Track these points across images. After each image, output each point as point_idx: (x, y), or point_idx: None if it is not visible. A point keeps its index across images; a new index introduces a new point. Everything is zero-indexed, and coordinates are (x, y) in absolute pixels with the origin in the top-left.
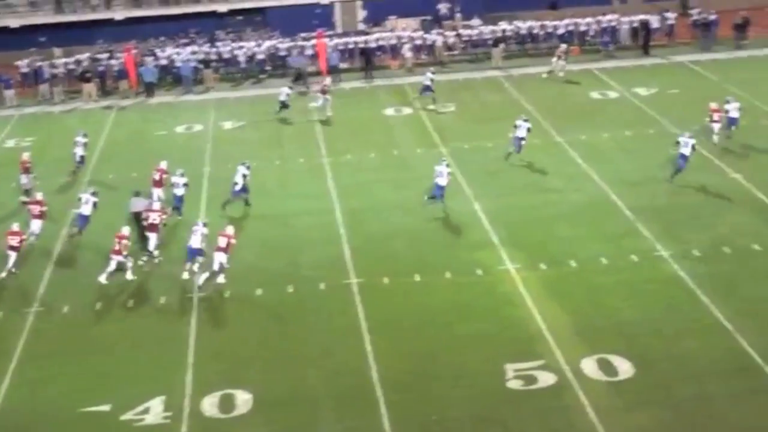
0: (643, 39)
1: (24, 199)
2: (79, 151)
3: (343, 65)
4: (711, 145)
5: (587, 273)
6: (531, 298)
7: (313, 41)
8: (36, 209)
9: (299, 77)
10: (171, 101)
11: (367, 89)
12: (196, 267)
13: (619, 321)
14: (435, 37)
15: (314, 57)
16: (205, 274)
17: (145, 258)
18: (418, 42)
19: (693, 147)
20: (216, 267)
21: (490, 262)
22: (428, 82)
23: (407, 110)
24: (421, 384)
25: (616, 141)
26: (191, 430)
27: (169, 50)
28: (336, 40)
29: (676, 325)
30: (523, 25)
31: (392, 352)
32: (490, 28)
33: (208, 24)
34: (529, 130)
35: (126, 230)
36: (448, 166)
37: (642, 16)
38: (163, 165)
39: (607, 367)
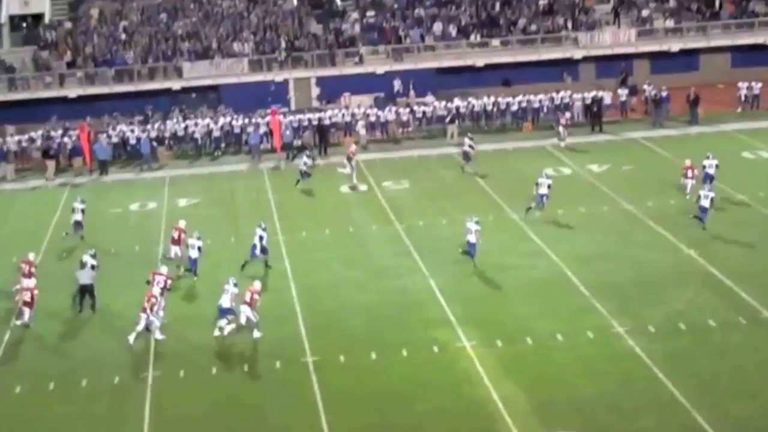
0: (596, 115)
1: None
2: (77, 217)
3: (297, 142)
4: (665, 221)
5: (543, 350)
6: (488, 376)
7: (267, 118)
8: None
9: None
10: (125, 178)
11: (322, 166)
12: (224, 323)
13: (576, 398)
14: (389, 114)
15: (268, 134)
16: (231, 326)
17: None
18: (372, 119)
19: (712, 200)
20: (243, 321)
21: (446, 339)
22: (467, 148)
23: (362, 187)
24: None
25: (570, 217)
26: None
27: (121, 127)
28: (290, 117)
29: (634, 402)
30: (477, 102)
31: (349, 431)
32: (444, 104)
33: (163, 101)
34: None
35: (156, 290)
36: (477, 223)
37: (594, 93)
38: (182, 224)
39: None
